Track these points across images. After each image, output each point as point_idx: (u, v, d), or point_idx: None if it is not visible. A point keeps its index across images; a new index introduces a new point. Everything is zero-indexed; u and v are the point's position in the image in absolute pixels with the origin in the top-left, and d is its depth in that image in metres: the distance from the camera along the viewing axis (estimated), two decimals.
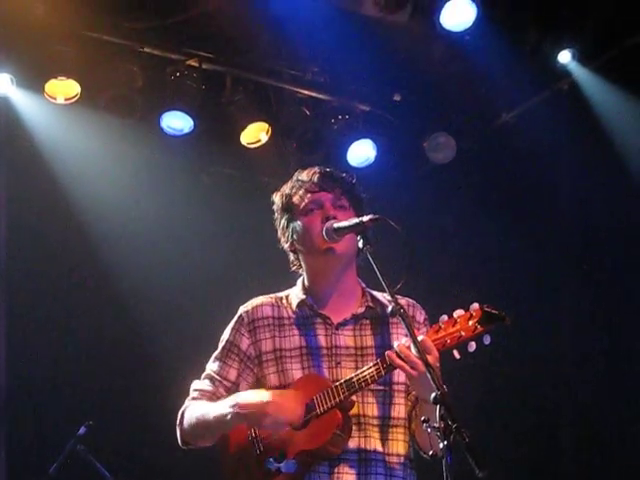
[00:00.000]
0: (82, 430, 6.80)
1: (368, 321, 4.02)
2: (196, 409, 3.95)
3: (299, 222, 4.09)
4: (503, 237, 8.60)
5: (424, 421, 3.40)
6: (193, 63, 7.86)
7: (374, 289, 4.10)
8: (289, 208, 4.15)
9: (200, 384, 4.08)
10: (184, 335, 7.86)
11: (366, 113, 8.54)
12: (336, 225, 3.91)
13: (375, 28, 7.81)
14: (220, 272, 8.27)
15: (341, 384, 3.76)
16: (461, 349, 3.66)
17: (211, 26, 7.75)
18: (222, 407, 3.82)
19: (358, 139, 8.45)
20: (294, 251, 4.19)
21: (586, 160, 8.15)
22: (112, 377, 7.90)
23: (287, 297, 4.13)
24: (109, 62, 7.62)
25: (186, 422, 3.98)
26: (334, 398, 3.74)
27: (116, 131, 7.85)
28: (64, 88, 7.54)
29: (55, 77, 7.46)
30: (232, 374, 4.02)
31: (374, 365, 3.76)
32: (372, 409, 3.88)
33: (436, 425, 3.35)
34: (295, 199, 4.13)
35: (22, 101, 7.60)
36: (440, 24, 7.45)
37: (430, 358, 3.57)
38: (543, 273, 8.56)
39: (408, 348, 3.64)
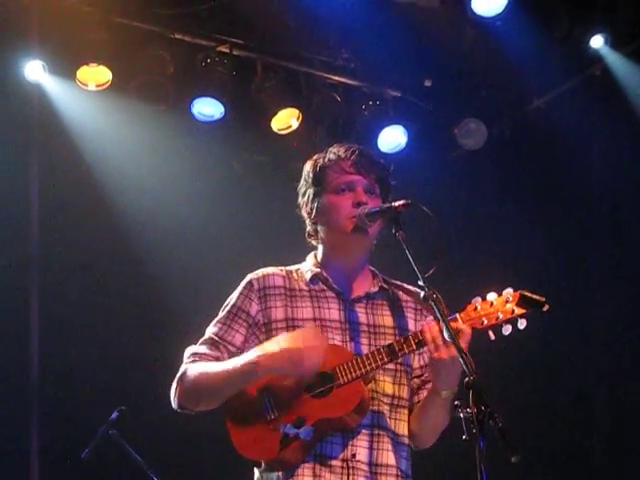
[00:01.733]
0: (114, 415, 6.84)
1: (381, 301, 3.99)
2: (204, 367, 3.76)
3: (328, 199, 4.00)
4: (534, 223, 8.57)
5: (456, 406, 3.41)
6: (224, 49, 7.87)
7: (401, 275, 4.07)
8: (320, 181, 4.05)
9: (199, 348, 3.88)
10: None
11: (397, 99, 8.53)
12: (368, 210, 3.90)
13: (406, 13, 7.80)
14: (251, 259, 8.27)
15: (366, 356, 3.70)
16: (496, 331, 3.66)
17: (242, 12, 7.76)
18: (246, 358, 3.66)
19: (389, 125, 8.44)
20: (315, 223, 4.08)
21: (618, 146, 8.12)
22: (146, 361, 7.92)
23: (297, 271, 4.02)
24: (140, 49, 7.65)
25: (190, 382, 3.77)
26: (359, 369, 3.68)
27: (147, 118, 7.86)
28: (96, 75, 7.57)
29: (87, 64, 7.50)
30: (238, 339, 3.85)
31: (397, 342, 3.73)
32: (384, 387, 3.85)
33: (469, 410, 3.35)
34: (328, 174, 4.03)
35: (54, 88, 7.64)
36: (471, 9, 7.43)
37: (462, 343, 3.56)
38: (574, 258, 8.52)
39: (439, 331, 3.62)
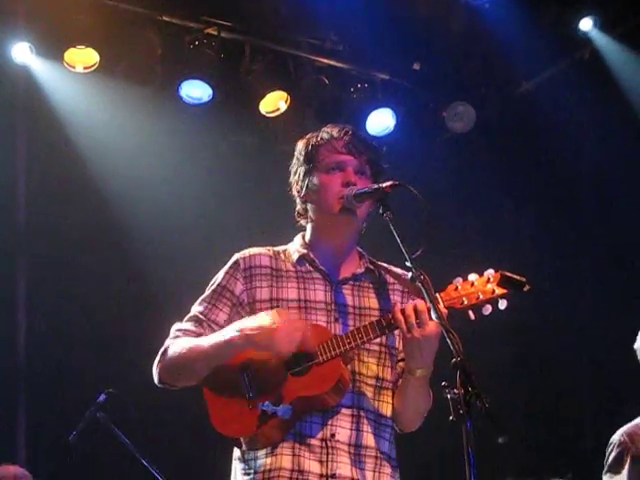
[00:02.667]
0: (102, 397, 6.82)
1: (367, 283, 3.96)
2: (185, 342, 3.77)
3: (318, 177, 3.97)
4: (523, 205, 8.58)
5: (444, 387, 3.39)
6: (212, 32, 7.86)
7: (388, 257, 4.07)
8: (311, 159, 4.02)
9: (183, 325, 3.88)
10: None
11: (385, 82, 8.52)
12: (356, 191, 3.88)
13: None
14: (239, 240, 8.26)
15: (346, 335, 3.68)
16: (476, 310, 3.63)
17: None
18: (224, 333, 3.68)
19: (377, 108, 8.44)
20: (304, 202, 4.06)
21: (607, 128, 8.11)
22: (132, 344, 7.91)
23: (284, 251, 4.00)
24: (128, 31, 7.63)
25: (172, 357, 3.78)
26: (338, 348, 3.66)
27: (135, 100, 7.84)
28: (83, 56, 7.56)
29: (74, 46, 7.49)
30: (221, 317, 3.84)
31: (377, 321, 3.71)
32: (367, 368, 3.82)
33: (456, 391, 3.34)
34: (320, 153, 4.00)
35: (41, 70, 7.63)
36: None
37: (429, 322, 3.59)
38: (562, 242, 8.54)
39: (414, 310, 3.62)
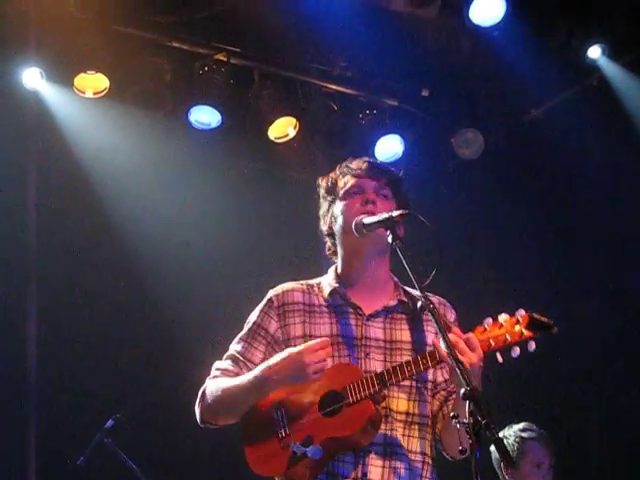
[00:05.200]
0: (110, 423, 6.83)
1: (400, 315, 3.96)
2: (222, 383, 3.86)
3: (339, 204, 4.03)
4: (531, 232, 8.57)
5: (453, 417, 3.39)
6: (221, 58, 7.89)
7: (405, 285, 4.07)
8: (332, 191, 4.10)
9: (222, 364, 3.97)
10: (214, 328, 7.86)
11: (394, 108, 8.54)
12: (366, 220, 3.90)
13: (403, 23, 7.81)
14: (249, 265, 8.29)
15: (376, 375, 3.71)
16: (505, 353, 3.64)
17: (239, 21, 7.77)
18: (254, 373, 3.76)
19: (386, 134, 8.44)
20: (331, 235, 4.10)
21: (616, 157, 8.11)
22: (140, 370, 7.92)
23: (318, 285, 4.05)
24: (138, 56, 7.66)
25: (209, 397, 3.88)
26: (368, 389, 3.68)
27: (144, 125, 7.87)
28: (93, 82, 7.60)
29: (84, 71, 7.52)
30: (257, 356, 3.92)
31: (414, 362, 3.71)
32: (398, 404, 3.83)
33: (465, 421, 3.34)
34: (339, 183, 4.08)
35: (51, 95, 7.65)
36: (469, 19, 7.43)
37: (474, 356, 3.57)
38: (570, 268, 8.52)
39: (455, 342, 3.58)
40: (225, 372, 3.93)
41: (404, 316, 3.95)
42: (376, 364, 3.82)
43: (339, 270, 4.05)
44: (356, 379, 3.71)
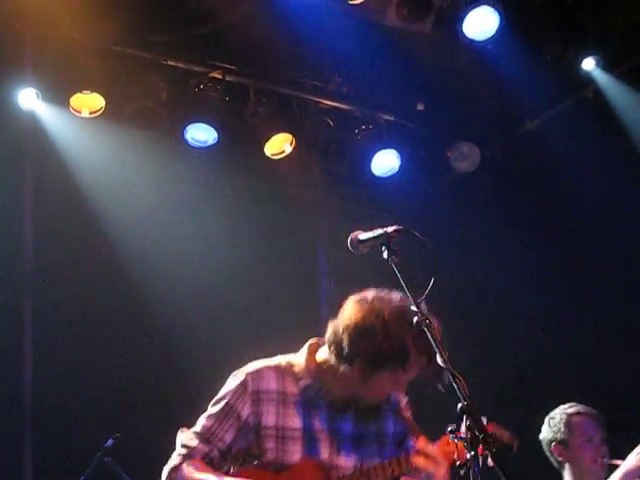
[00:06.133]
0: (109, 442, 6.82)
1: (365, 408, 4.00)
2: (195, 474, 3.88)
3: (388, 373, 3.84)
4: (527, 245, 8.58)
5: (451, 431, 3.40)
6: (217, 75, 7.91)
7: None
8: (398, 357, 3.82)
9: (191, 441, 3.95)
10: (212, 346, 7.87)
11: (390, 123, 8.56)
12: (361, 237, 3.91)
13: (398, 38, 7.83)
14: (246, 282, 8.29)
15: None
16: (465, 468, 3.62)
17: (234, 38, 7.80)
18: None
19: (382, 149, 8.46)
20: (349, 361, 3.87)
21: (611, 167, 8.12)
22: (140, 389, 7.91)
23: (291, 368, 4.01)
24: (133, 75, 7.68)
25: None
26: None
27: (140, 144, 7.88)
28: (89, 102, 7.60)
29: (80, 91, 7.52)
30: (228, 438, 3.92)
31: (384, 468, 3.85)
32: None
33: (463, 436, 3.35)
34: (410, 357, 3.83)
35: (47, 115, 7.67)
36: (463, 33, 7.46)
37: (442, 470, 3.74)
38: (567, 279, 8.52)
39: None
40: (194, 451, 3.92)
41: (368, 409, 4.00)
42: (347, 459, 3.92)
43: (317, 362, 3.99)
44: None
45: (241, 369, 4.00)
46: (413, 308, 3.67)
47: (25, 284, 7.93)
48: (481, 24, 7.45)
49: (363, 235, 3.92)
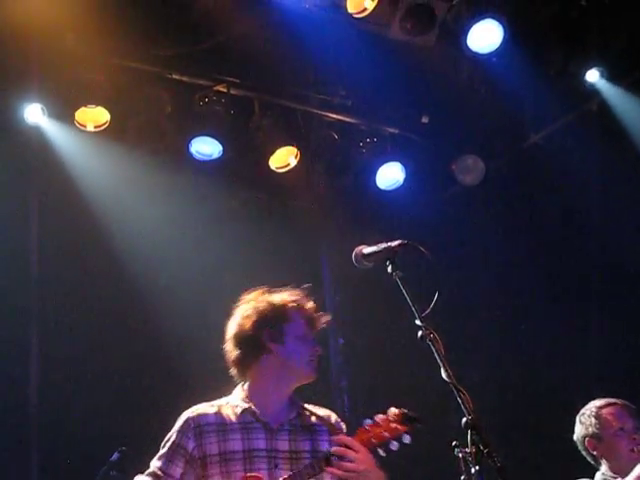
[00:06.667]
0: (115, 456, 6.81)
1: (300, 426, 4.35)
2: None
3: (295, 344, 4.34)
4: (531, 258, 8.56)
5: (455, 446, 3.40)
6: (221, 89, 7.93)
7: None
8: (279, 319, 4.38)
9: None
10: (216, 359, 7.86)
11: (394, 136, 8.56)
12: (365, 251, 3.93)
13: (402, 51, 7.83)
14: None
15: None
16: (385, 447, 4.01)
17: (239, 52, 7.81)
18: None
19: (387, 162, 8.47)
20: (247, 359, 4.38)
21: (616, 179, 8.11)
22: (145, 402, 7.91)
23: (227, 404, 4.37)
24: (138, 89, 7.70)
25: None
26: None
27: (145, 157, 7.88)
28: (94, 115, 7.62)
29: (85, 105, 7.53)
30: (177, 472, 4.23)
31: (310, 465, 4.12)
32: None
33: (467, 450, 3.35)
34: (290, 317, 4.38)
35: (53, 130, 7.68)
36: (467, 46, 7.45)
37: (362, 461, 3.99)
38: (572, 298, 8.50)
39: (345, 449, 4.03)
40: None
41: (303, 427, 4.34)
42: (283, 473, 4.17)
43: (248, 391, 4.38)
44: None
45: (183, 412, 4.36)
46: (418, 322, 3.68)
47: (31, 297, 7.94)
48: (485, 37, 7.44)
49: (367, 249, 3.95)
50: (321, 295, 9.44)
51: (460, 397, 3.45)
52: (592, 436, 5.64)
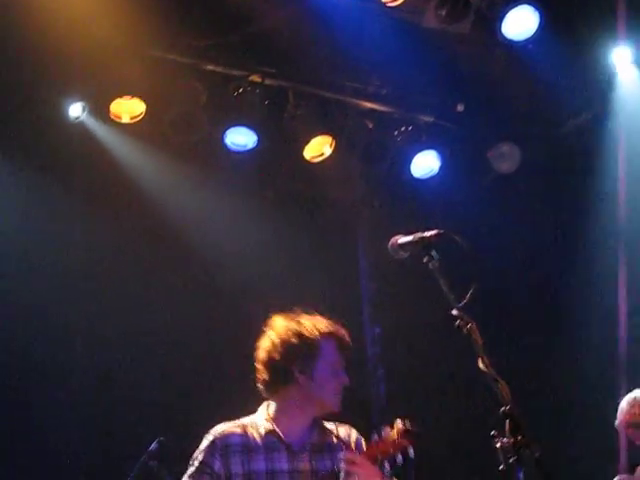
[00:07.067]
0: (154, 446, 6.85)
1: (320, 447, 4.51)
2: None
3: (323, 379, 4.45)
4: (569, 246, 8.52)
5: (493, 436, 3.39)
6: (256, 79, 7.93)
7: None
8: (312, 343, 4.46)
9: None
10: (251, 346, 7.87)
11: (429, 124, 8.54)
12: (401, 241, 3.93)
13: (437, 39, 7.81)
14: (286, 286, 8.31)
15: None
16: (390, 461, 4.18)
17: (273, 42, 7.81)
18: None
19: (422, 150, 8.44)
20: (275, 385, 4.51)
21: None
22: (185, 392, 7.97)
23: (252, 424, 4.50)
24: (173, 80, 7.71)
25: None
26: None
27: (181, 148, 7.91)
28: (129, 107, 7.66)
29: (120, 97, 7.57)
30: None
31: None
32: None
33: (506, 440, 3.34)
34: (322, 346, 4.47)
35: (92, 123, 7.72)
36: (502, 33, 7.41)
37: (366, 471, 4.18)
38: (608, 281, 8.45)
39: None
40: None
41: (324, 447, 4.52)
42: None
43: (273, 413, 4.52)
44: None
45: (210, 431, 4.49)
46: (454, 312, 3.67)
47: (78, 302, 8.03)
48: (520, 24, 7.40)
49: (403, 239, 3.94)
50: (357, 284, 9.45)
51: (497, 387, 3.44)
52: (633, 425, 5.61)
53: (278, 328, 4.50)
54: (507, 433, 3.35)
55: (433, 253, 3.82)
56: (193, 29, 7.62)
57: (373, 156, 8.40)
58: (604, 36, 7.82)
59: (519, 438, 3.32)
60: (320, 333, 4.44)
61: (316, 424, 4.54)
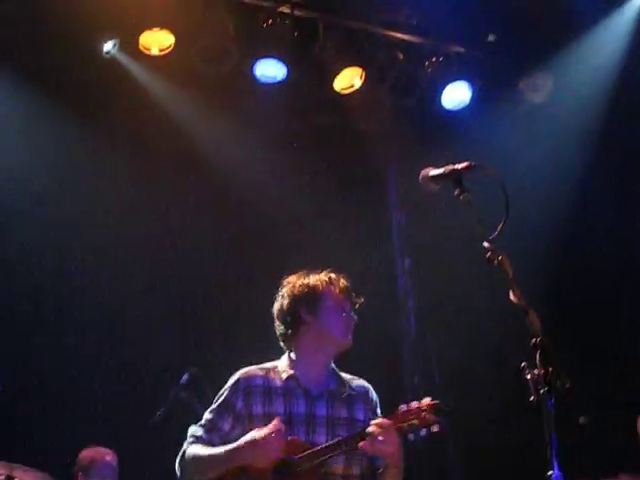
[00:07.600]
0: (185, 377, 6.92)
1: (339, 395, 4.77)
2: (197, 451, 4.68)
3: (328, 316, 4.74)
4: (607, 178, 8.45)
5: (523, 368, 3.40)
6: (285, 10, 7.87)
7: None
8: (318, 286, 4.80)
9: (197, 431, 4.77)
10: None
11: (460, 55, 8.46)
12: (432, 173, 3.91)
13: None
14: (317, 219, 8.33)
15: (323, 447, 4.54)
16: (415, 433, 4.37)
17: None
18: (223, 450, 4.59)
19: (452, 81, 8.37)
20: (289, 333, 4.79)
21: None
22: (216, 321, 8.05)
23: (274, 369, 4.81)
24: (202, 12, 7.65)
25: (185, 462, 4.72)
26: (315, 459, 4.51)
27: (210, 80, 7.89)
28: (158, 39, 7.63)
29: (149, 29, 7.54)
30: (226, 427, 4.72)
31: (346, 439, 4.53)
32: (336, 467, 4.63)
33: (536, 371, 3.35)
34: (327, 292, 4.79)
35: (122, 58, 7.72)
36: None
37: (391, 445, 4.39)
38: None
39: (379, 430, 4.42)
40: (199, 440, 4.73)
41: (341, 396, 4.77)
42: (321, 437, 4.65)
43: (294, 358, 4.82)
44: (305, 450, 4.54)
45: (236, 372, 4.79)
46: (485, 244, 3.67)
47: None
48: None
49: (434, 172, 3.92)
50: (388, 216, 9.45)
51: (528, 318, 3.44)
52: None
53: (286, 286, 4.85)
54: (537, 364, 3.35)
55: (464, 185, 3.81)
56: None
57: (403, 87, 8.33)
58: None
59: (549, 369, 3.32)
60: (321, 280, 4.80)
61: (334, 373, 4.83)
